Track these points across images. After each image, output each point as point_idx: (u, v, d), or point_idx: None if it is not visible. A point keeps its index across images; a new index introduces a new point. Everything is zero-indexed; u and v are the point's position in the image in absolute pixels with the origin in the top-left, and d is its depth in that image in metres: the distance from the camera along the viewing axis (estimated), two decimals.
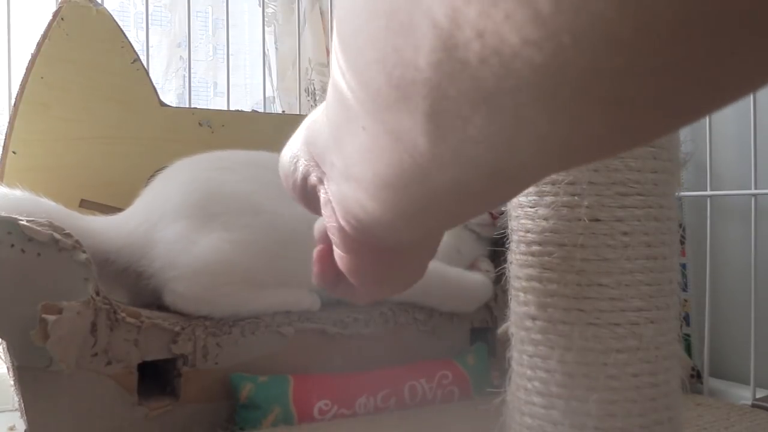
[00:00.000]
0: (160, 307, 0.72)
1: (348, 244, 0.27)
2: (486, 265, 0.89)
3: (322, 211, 0.28)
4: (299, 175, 0.29)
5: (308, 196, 0.29)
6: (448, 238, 0.87)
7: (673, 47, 0.12)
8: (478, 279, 0.85)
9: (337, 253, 0.29)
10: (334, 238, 0.28)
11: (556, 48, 0.13)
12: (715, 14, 0.11)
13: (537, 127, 0.16)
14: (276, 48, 1.42)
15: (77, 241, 0.63)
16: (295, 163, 0.29)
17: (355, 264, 0.29)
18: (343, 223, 0.26)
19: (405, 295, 0.82)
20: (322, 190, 0.28)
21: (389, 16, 0.16)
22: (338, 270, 0.31)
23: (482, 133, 0.17)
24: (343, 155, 0.23)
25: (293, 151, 0.30)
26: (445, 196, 0.21)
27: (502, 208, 0.52)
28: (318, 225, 0.33)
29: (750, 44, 0.12)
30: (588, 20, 0.12)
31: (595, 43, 0.13)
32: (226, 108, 1.06)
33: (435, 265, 0.83)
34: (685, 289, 0.94)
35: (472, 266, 0.89)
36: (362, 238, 0.26)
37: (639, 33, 0.12)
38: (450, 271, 0.84)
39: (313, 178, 0.28)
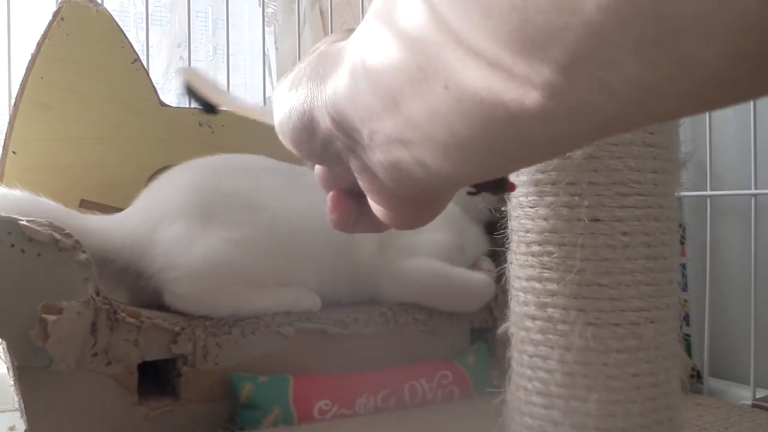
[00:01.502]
0: (160, 307, 0.72)
1: (394, 202, 0.26)
2: (488, 264, 0.89)
3: (358, 176, 0.27)
4: (318, 143, 0.27)
5: (330, 160, 0.28)
6: (452, 236, 0.87)
7: None
8: (482, 278, 0.85)
9: (376, 207, 0.28)
10: (375, 198, 0.27)
11: None
12: None
13: (706, 69, 0.14)
14: (276, 48, 1.42)
15: (77, 241, 0.63)
16: (310, 131, 0.27)
17: (397, 215, 0.28)
18: (391, 185, 0.25)
19: (408, 295, 0.82)
20: (352, 158, 0.26)
21: None
22: (357, 213, 0.31)
23: (625, 84, 0.15)
24: (399, 119, 0.21)
25: (303, 116, 0.27)
26: (533, 148, 0.19)
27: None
28: (318, 172, 0.31)
29: None
30: None
31: None
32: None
33: (439, 266, 0.84)
34: (685, 289, 0.94)
35: (474, 266, 0.89)
36: (413, 195, 0.25)
37: None
38: (454, 271, 0.84)
39: (337, 145, 0.26)
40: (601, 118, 0.16)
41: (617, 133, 0.19)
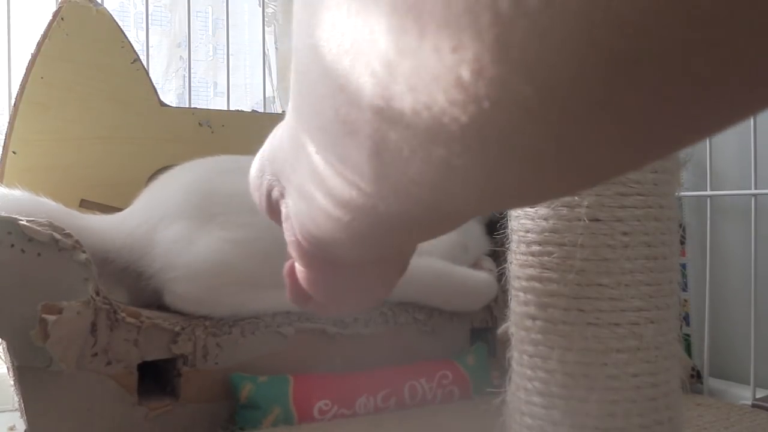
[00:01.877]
0: (160, 307, 0.72)
1: (306, 259, 0.28)
2: (489, 264, 0.89)
3: (283, 225, 0.29)
4: (264, 189, 0.30)
5: (274, 210, 0.30)
6: (456, 235, 0.87)
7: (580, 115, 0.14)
8: (484, 278, 0.84)
9: (298, 268, 0.30)
10: (293, 252, 0.29)
11: (477, 110, 0.14)
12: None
13: (469, 175, 0.17)
14: (276, 48, 1.42)
15: (77, 241, 0.63)
16: (261, 177, 0.30)
17: (314, 278, 0.29)
18: (300, 238, 0.27)
19: (410, 294, 0.82)
20: (283, 205, 0.28)
21: (336, 58, 0.17)
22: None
23: (421, 176, 0.18)
24: (298, 174, 0.24)
25: (260, 167, 0.31)
26: (391, 225, 0.22)
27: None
28: (288, 242, 0.33)
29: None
30: (505, 93, 0.14)
31: (512, 109, 0.14)
32: (226, 108, 1.06)
33: (441, 264, 0.84)
34: (685, 289, 0.94)
35: (475, 265, 0.89)
36: (319, 254, 0.27)
37: (546, 105, 0.14)
38: (456, 270, 0.84)
39: (275, 193, 0.29)
40: (430, 205, 0.19)
41: (466, 220, 0.22)
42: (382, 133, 0.17)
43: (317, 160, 0.22)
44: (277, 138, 0.28)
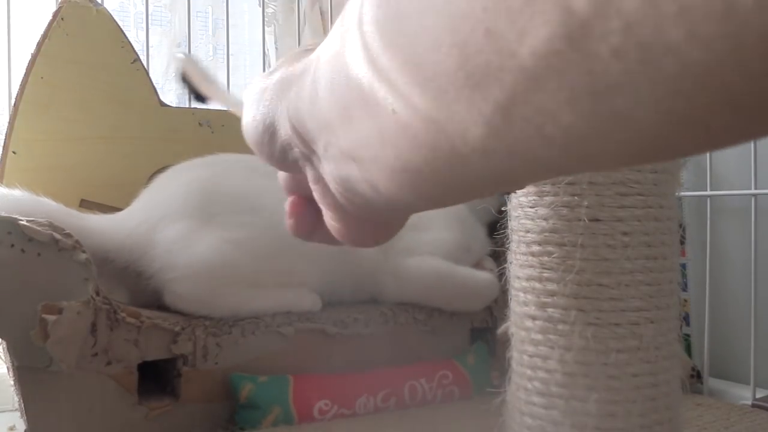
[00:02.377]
0: (160, 307, 0.72)
1: (345, 217, 0.26)
2: (490, 264, 0.89)
3: (312, 187, 0.27)
4: (277, 147, 0.27)
5: (288, 166, 0.28)
6: (458, 235, 0.87)
7: None
8: (486, 277, 0.84)
9: (329, 221, 0.28)
10: (328, 211, 0.27)
11: (731, 47, 0.12)
12: None
13: (639, 127, 0.14)
14: (276, 48, 1.42)
15: (77, 241, 0.63)
16: (271, 134, 0.27)
17: (349, 231, 0.27)
18: (342, 200, 0.25)
19: (412, 294, 0.82)
20: (308, 167, 0.26)
21: None
22: (314, 221, 0.30)
23: (562, 132, 0.15)
24: (351, 136, 0.21)
25: (265, 118, 0.27)
26: (477, 182, 0.19)
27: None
28: (282, 175, 0.31)
29: None
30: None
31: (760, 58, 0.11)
32: (226, 108, 1.06)
33: (443, 264, 0.84)
34: (685, 289, 0.94)
35: (476, 266, 0.89)
36: (363, 213, 0.25)
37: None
38: (458, 270, 0.84)
39: (296, 152, 0.26)
40: (541, 161, 0.17)
41: (564, 176, 0.19)
42: (534, 84, 0.14)
43: (393, 119, 0.18)
44: (303, 97, 0.24)
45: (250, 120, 0.28)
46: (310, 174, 0.26)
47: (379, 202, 0.23)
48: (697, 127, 0.14)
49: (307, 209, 0.30)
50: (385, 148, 0.20)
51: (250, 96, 0.29)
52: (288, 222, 0.31)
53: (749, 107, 0.13)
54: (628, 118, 0.14)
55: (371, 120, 0.20)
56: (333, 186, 0.24)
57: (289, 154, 0.26)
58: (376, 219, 0.26)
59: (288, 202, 0.31)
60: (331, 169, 0.24)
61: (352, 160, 0.22)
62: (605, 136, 0.15)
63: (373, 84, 0.19)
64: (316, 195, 0.27)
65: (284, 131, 0.26)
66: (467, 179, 0.19)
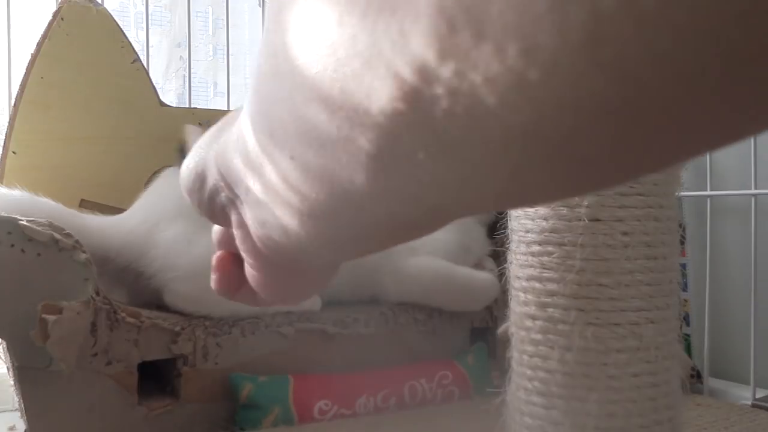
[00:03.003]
0: (160, 307, 0.72)
1: (261, 263, 0.27)
2: (491, 264, 0.89)
3: (234, 232, 0.27)
4: (206, 193, 0.28)
5: (215, 213, 0.28)
6: (458, 236, 0.87)
7: (662, 115, 0.13)
8: (487, 277, 0.84)
9: (249, 270, 0.29)
10: (248, 258, 0.28)
11: (535, 113, 0.13)
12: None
13: (495, 176, 0.16)
14: None
15: (77, 241, 0.63)
16: (202, 180, 0.28)
17: (266, 280, 0.28)
18: (259, 245, 0.25)
19: (412, 294, 0.82)
20: (233, 212, 0.27)
21: (340, 58, 0.16)
22: (238, 278, 0.31)
23: (432, 177, 0.16)
24: (263, 181, 0.23)
25: (197, 166, 0.28)
26: (376, 227, 0.20)
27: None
28: (216, 230, 0.32)
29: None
30: (578, 92, 0.13)
31: (580, 111, 0.13)
32: (226, 108, 1.06)
33: (443, 264, 0.84)
34: (685, 289, 0.94)
35: (477, 266, 0.89)
36: (279, 259, 0.26)
37: (628, 104, 0.13)
38: (458, 270, 0.84)
39: (222, 198, 0.27)
40: (428, 203, 0.18)
41: (455, 218, 0.21)
42: (392, 138, 0.16)
43: (293, 165, 0.20)
44: (230, 142, 0.25)
45: (184, 168, 0.29)
46: (234, 219, 0.27)
47: (290, 246, 0.24)
48: (540, 176, 0.15)
49: (232, 266, 0.31)
50: (289, 193, 0.21)
51: (193, 149, 0.30)
52: (212, 277, 0.32)
53: (568, 160, 0.14)
54: (478, 167, 0.16)
55: (277, 165, 0.21)
56: (252, 230, 0.25)
57: (217, 200, 0.27)
58: (293, 266, 0.27)
59: (215, 257, 0.32)
60: (249, 213, 0.25)
61: (265, 204, 0.23)
62: (469, 183, 0.16)
63: (272, 131, 0.20)
64: (238, 240, 0.27)
65: (212, 177, 0.27)
66: (366, 224, 0.20)
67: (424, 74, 0.14)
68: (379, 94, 0.15)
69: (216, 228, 0.32)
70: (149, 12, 1.03)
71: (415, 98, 0.15)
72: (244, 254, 0.28)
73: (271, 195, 0.22)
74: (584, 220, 0.46)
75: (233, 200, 0.26)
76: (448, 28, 0.13)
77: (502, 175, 0.16)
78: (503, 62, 0.13)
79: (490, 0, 0.12)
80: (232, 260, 0.31)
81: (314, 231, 0.22)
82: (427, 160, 0.16)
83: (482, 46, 0.13)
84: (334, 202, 0.20)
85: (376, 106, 0.16)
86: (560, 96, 0.13)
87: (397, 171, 0.17)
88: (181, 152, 0.47)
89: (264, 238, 0.25)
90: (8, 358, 0.65)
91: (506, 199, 0.18)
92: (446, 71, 0.14)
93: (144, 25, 1.03)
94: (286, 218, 0.22)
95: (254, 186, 0.23)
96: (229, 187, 0.26)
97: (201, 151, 0.28)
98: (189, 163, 0.29)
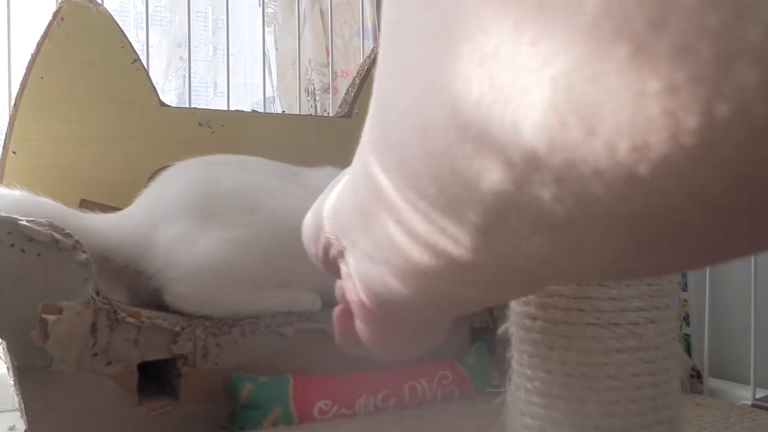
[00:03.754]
0: (160, 306, 0.72)
1: (368, 317, 0.28)
2: None
3: (344, 284, 0.28)
4: (321, 245, 0.29)
5: (330, 265, 0.30)
6: None
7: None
8: None
9: (358, 325, 0.29)
10: (355, 310, 0.28)
11: (644, 203, 0.14)
12: None
13: (599, 253, 0.16)
14: (276, 48, 1.42)
15: (77, 241, 0.63)
16: (318, 232, 0.29)
17: (374, 335, 0.29)
18: (364, 297, 0.26)
19: None
20: (342, 263, 0.28)
21: (452, 140, 0.16)
22: (354, 329, 0.32)
23: (537, 252, 0.17)
24: (369, 238, 0.23)
25: (317, 219, 0.30)
26: (477, 290, 0.21)
27: None
28: (338, 284, 0.33)
29: None
30: (687, 189, 0.13)
31: (688, 204, 0.13)
32: (226, 108, 1.06)
33: None
34: (685, 289, 0.94)
35: None
36: (383, 313, 0.27)
37: (734, 201, 0.13)
38: None
39: (334, 251, 0.28)
40: (526, 273, 0.19)
41: (553, 285, 0.21)
42: (499, 215, 0.16)
43: (398, 229, 0.21)
44: (342, 197, 0.26)
45: (306, 219, 0.32)
46: (342, 271, 0.28)
47: (393, 302, 0.25)
48: (644, 256, 0.16)
49: (349, 319, 0.31)
50: (394, 252, 0.22)
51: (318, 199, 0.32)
52: (335, 330, 0.33)
53: (683, 243, 0.15)
54: (584, 245, 0.16)
55: (383, 226, 0.22)
56: (357, 283, 0.26)
57: (330, 253, 0.29)
58: (398, 321, 0.28)
59: (336, 310, 0.33)
60: (354, 266, 0.26)
61: (370, 260, 0.24)
62: (573, 258, 0.17)
63: (381, 194, 0.21)
64: (346, 292, 0.28)
65: (326, 228, 0.29)
66: (467, 289, 0.21)
67: (534, 162, 0.15)
68: (489, 176, 0.16)
69: (337, 284, 0.33)
70: (149, 12, 1.03)
71: (525, 182, 0.15)
72: (351, 306, 0.28)
73: (375, 252, 0.23)
74: None
75: (342, 252, 0.27)
76: (559, 124, 0.14)
77: (606, 256, 0.16)
78: (613, 157, 0.13)
79: (602, 102, 0.13)
80: (350, 314, 0.31)
81: (415, 290, 0.23)
82: (533, 236, 0.17)
83: (592, 142, 0.13)
84: (438, 265, 0.20)
85: (486, 186, 0.16)
86: (669, 189, 0.13)
87: (503, 243, 0.18)
88: None
89: (367, 290, 0.26)
90: (8, 358, 0.65)
91: (607, 274, 0.18)
92: (556, 161, 0.14)
93: (144, 25, 1.03)
94: (387, 276, 0.23)
95: (359, 241, 0.25)
96: (337, 239, 0.27)
97: (320, 206, 0.30)
98: (309, 215, 0.31)
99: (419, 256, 0.20)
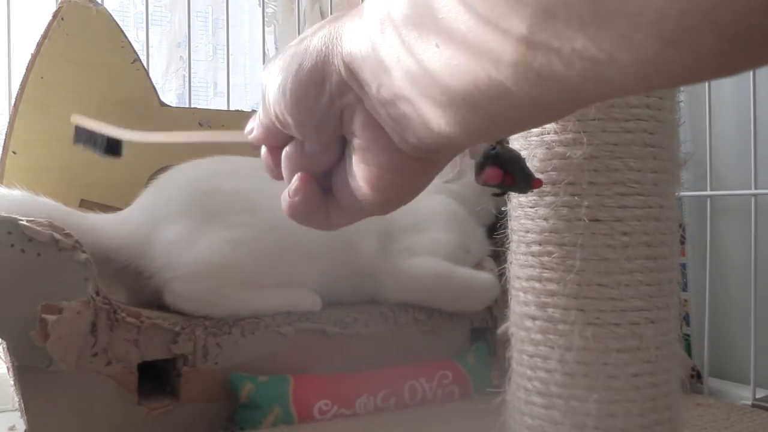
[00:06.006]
0: (160, 306, 0.72)
1: (396, 162, 0.27)
2: (491, 264, 0.89)
3: (360, 134, 0.27)
4: (325, 95, 0.27)
5: (329, 120, 0.27)
6: (458, 236, 0.87)
7: None
8: (487, 278, 0.84)
9: (363, 177, 0.28)
10: (382, 158, 0.27)
11: None
12: None
13: (642, 52, 0.17)
14: (276, 48, 1.42)
15: (77, 241, 0.63)
16: (319, 81, 0.27)
17: (382, 181, 0.28)
18: (397, 141, 0.26)
19: (411, 295, 0.82)
20: (358, 114, 0.26)
21: None
22: (319, 199, 0.31)
23: (576, 56, 0.18)
24: (400, 75, 0.23)
25: (314, 70, 0.27)
26: (516, 111, 0.21)
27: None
28: (285, 155, 0.32)
29: None
30: None
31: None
32: (226, 108, 1.06)
33: (442, 265, 0.84)
34: (685, 289, 0.94)
35: (477, 266, 0.89)
36: (416, 154, 0.26)
37: None
38: (458, 271, 0.84)
39: (348, 98, 0.26)
40: (566, 85, 0.19)
41: (587, 105, 0.21)
42: (548, 10, 0.17)
43: (438, 53, 0.21)
44: (358, 41, 0.25)
45: (284, 80, 0.28)
46: (358, 121, 0.27)
47: (431, 136, 0.24)
48: (686, 50, 0.16)
49: (316, 186, 0.31)
50: (432, 83, 0.22)
51: (277, 66, 0.29)
52: (292, 201, 0.31)
53: (732, 35, 0.15)
54: (627, 40, 0.17)
55: (418, 57, 0.22)
56: (390, 127, 0.26)
57: (337, 103, 0.27)
58: (428, 158, 0.27)
59: (297, 178, 0.31)
60: (384, 110, 0.25)
61: (402, 98, 0.24)
62: (612, 59, 0.17)
63: (417, 22, 0.22)
64: (364, 141, 0.27)
65: (336, 77, 0.26)
66: (507, 108, 0.21)
67: None
68: None
69: (286, 153, 0.31)
70: (149, 12, 1.03)
71: None
72: (366, 154, 0.27)
73: (409, 88, 0.23)
74: (584, 220, 0.46)
75: (360, 98, 0.26)
76: None
77: (649, 54, 0.17)
78: None
79: None
80: (315, 181, 0.31)
81: (454, 119, 0.23)
82: (576, 36, 0.17)
83: None
84: (476, 89, 0.21)
85: None
86: None
87: (545, 49, 0.18)
88: (79, 134, 0.46)
89: (403, 131, 0.25)
90: (8, 358, 0.65)
91: (646, 80, 0.18)
92: None
93: (144, 25, 1.03)
94: (426, 108, 0.23)
95: (390, 81, 0.24)
96: (359, 85, 0.26)
97: (312, 54, 0.27)
98: (292, 75, 0.27)
99: (459, 80, 0.21)
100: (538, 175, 0.48)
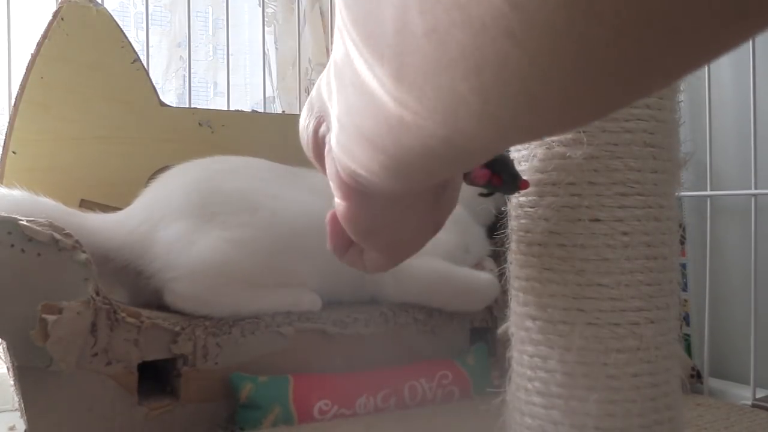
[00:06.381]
0: (160, 306, 0.72)
1: (343, 190, 0.29)
2: (491, 264, 0.89)
3: (327, 161, 0.29)
4: (311, 127, 0.30)
5: (320, 152, 0.30)
6: (457, 236, 0.87)
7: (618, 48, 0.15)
8: (486, 278, 0.84)
9: (337, 202, 0.30)
10: (334, 185, 0.29)
11: (474, 31, 0.16)
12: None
13: (471, 104, 0.18)
14: (276, 48, 1.42)
15: (77, 241, 0.63)
16: (309, 116, 0.30)
17: (351, 211, 0.30)
18: (339, 169, 0.28)
19: (412, 295, 0.82)
20: (326, 141, 0.29)
21: None
22: (347, 239, 0.33)
23: (433, 106, 0.19)
24: (336, 107, 0.25)
25: (308, 105, 0.31)
26: (413, 154, 0.22)
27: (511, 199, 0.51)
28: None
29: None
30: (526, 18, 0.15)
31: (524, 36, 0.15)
32: (226, 108, 1.06)
33: (443, 265, 0.84)
34: (685, 289, 0.94)
35: (477, 266, 0.89)
36: (355, 185, 0.28)
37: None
38: (458, 271, 0.84)
39: (323, 129, 0.29)
40: (442, 137, 0.20)
41: (479, 160, 0.22)
42: (401, 59, 0.18)
43: (351, 91, 0.22)
44: (324, 73, 0.28)
45: (301, 116, 0.32)
46: (326, 148, 0.29)
47: (359, 171, 0.26)
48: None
49: (340, 227, 0.33)
50: (349, 117, 0.24)
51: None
52: (328, 234, 0.35)
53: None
54: (460, 95, 0.18)
55: (342, 92, 0.24)
56: (334, 156, 0.28)
57: (320, 133, 0.30)
58: (372, 196, 0.29)
59: (327, 216, 0.34)
60: (332, 139, 0.27)
61: (339, 129, 0.26)
62: (458, 113, 0.18)
63: (336, 61, 0.24)
64: (327, 168, 0.29)
65: (316, 110, 0.30)
66: (406, 151, 0.22)
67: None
68: (388, 15, 0.18)
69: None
70: (149, 12, 1.03)
71: (405, 18, 0.17)
72: (330, 182, 0.30)
73: (340, 119, 0.25)
74: (584, 220, 0.46)
75: (329, 127, 0.28)
76: None
77: (477, 105, 0.18)
78: None
79: None
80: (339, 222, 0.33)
81: (368, 153, 0.24)
82: (425, 87, 0.18)
83: None
84: (377, 127, 0.22)
85: (389, 26, 0.18)
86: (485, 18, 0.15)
87: (413, 99, 0.19)
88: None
89: (339, 161, 0.27)
90: (8, 358, 0.65)
91: (496, 134, 0.19)
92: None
93: (144, 25, 1.03)
94: (350, 142, 0.25)
95: (332, 111, 0.26)
96: (325, 115, 0.28)
97: (311, 94, 0.31)
98: (306, 105, 0.31)
99: (362, 117, 0.22)
100: (536, 176, 0.48)
